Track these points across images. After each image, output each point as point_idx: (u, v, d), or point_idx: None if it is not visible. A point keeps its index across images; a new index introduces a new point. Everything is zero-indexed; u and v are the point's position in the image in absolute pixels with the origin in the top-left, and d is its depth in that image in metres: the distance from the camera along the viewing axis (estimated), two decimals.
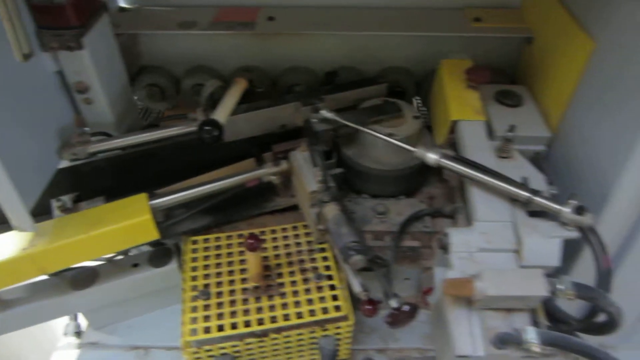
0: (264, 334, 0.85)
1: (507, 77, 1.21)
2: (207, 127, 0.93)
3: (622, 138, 0.79)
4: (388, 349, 1.05)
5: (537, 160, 1.03)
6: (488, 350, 0.72)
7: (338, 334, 0.89)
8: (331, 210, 0.89)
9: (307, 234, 1.00)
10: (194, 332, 0.84)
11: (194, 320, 0.86)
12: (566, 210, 0.77)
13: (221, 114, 0.98)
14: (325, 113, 0.98)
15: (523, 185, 0.82)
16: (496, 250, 0.80)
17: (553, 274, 0.74)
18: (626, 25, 0.81)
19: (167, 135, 1.01)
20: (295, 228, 1.01)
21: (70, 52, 0.93)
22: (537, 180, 0.88)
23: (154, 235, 0.90)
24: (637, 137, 0.75)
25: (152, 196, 0.91)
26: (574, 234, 0.79)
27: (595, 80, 0.88)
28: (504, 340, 0.71)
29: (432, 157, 0.87)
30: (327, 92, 1.07)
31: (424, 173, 1.07)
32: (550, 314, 0.82)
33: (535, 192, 0.80)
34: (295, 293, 0.90)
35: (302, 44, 1.17)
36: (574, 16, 0.97)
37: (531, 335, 0.69)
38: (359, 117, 1.02)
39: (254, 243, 0.85)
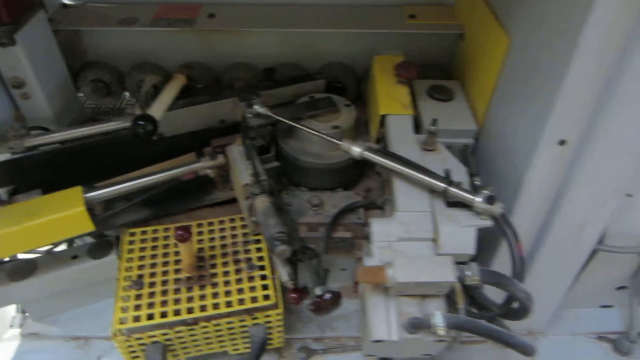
0: (194, 322, 0.88)
1: (444, 72, 1.25)
2: (140, 122, 0.95)
3: (532, 131, 0.83)
4: (325, 337, 1.08)
5: (465, 153, 1.07)
6: (401, 335, 0.75)
7: (268, 322, 0.92)
8: (261, 202, 0.91)
9: (243, 226, 1.02)
10: (123, 320, 0.86)
11: (125, 309, 0.88)
12: (478, 200, 0.81)
13: (156, 109, 0.99)
14: (259, 108, 1.01)
15: (439, 177, 0.86)
16: (414, 239, 0.83)
17: (466, 262, 0.78)
18: (537, 21, 0.84)
19: (104, 129, 1.03)
20: (232, 220, 1.03)
21: (3, 47, 0.94)
22: (460, 172, 0.92)
23: (89, 227, 0.91)
24: (543, 131, 0.79)
25: (90, 189, 0.93)
26: (487, 223, 0.83)
27: (512, 75, 0.92)
28: (415, 325, 0.74)
29: (356, 150, 0.90)
30: (265, 88, 1.10)
31: (361, 166, 1.10)
32: (475, 301, 0.87)
33: (450, 183, 0.84)
34: (226, 283, 0.92)
35: (243, 40, 1.19)
36: (494, 12, 1.02)
37: (438, 319, 0.72)
38: (294, 112, 1.05)
39: (183, 234, 0.87)
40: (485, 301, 0.87)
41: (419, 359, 0.87)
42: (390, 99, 0.99)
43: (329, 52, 1.23)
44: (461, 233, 0.83)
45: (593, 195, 0.82)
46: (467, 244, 0.83)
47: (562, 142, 0.77)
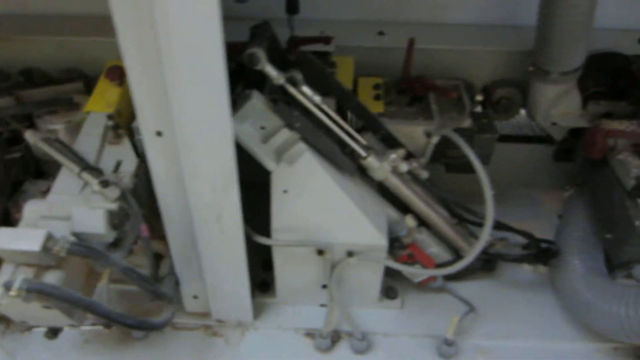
0: None
1: None
2: None
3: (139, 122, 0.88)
4: None
5: None
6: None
7: None
8: None
9: None
10: None
11: None
12: (95, 183, 0.91)
13: None
14: None
15: (83, 163, 0.96)
16: (55, 218, 0.93)
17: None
18: None
19: None
20: None
21: None
22: (132, 162, 1.02)
23: None
24: (142, 122, 0.85)
25: None
26: (113, 206, 0.92)
27: None
28: (6, 287, 0.83)
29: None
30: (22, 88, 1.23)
31: None
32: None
33: (85, 169, 0.94)
34: None
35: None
36: None
37: (18, 283, 0.82)
38: (32, 108, 1.17)
39: None
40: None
41: None
42: (99, 98, 1.10)
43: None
44: (90, 214, 0.92)
45: (210, 185, 0.89)
46: (97, 225, 0.93)
47: (159, 134, 0.85)
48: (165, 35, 0.72)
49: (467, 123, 1.16)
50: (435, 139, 1.09)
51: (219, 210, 0.93)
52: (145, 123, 0.84)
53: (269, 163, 0.95)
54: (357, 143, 0.98)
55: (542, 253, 1.12)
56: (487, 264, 1.22)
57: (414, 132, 1.11)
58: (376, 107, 1.12)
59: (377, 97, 1.15)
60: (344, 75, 1.11)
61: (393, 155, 0.98)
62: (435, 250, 1.15)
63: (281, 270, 1.10)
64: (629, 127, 1.09)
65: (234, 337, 1.13)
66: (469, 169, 1.05)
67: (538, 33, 1.09)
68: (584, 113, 1.19)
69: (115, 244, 0.99)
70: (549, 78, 1.13)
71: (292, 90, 0.94)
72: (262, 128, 0.96)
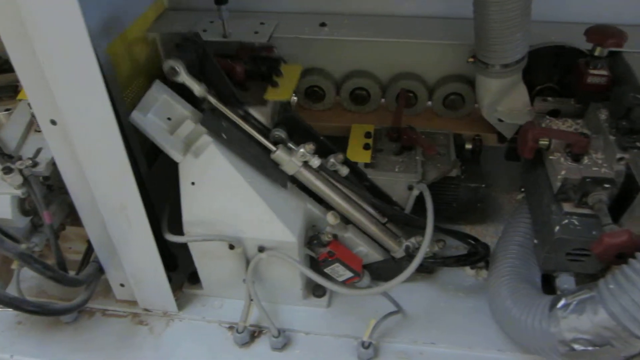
0: None
1: None
2: None
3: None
4: None
5: None
6: None
7: None
8: None
9: None
10: None
11: None
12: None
13: None
14: None
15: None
16: None
17: None
18: None
19: None
20: None
21: None
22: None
23: None
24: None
25: None
26: (18, 192, 0.94)
27: None
28: None
29: None
30: None
31: None
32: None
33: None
34: None
35: None
36: None
37: None
38: None
39: None
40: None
41: None
42: None
43: None
44: None
45: (107, 174, 0.89)
46: (5, 210, 0.95)
47: (53, 122, 0.86)
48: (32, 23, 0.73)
49: (454, 172, 1.16)
50: (415, 192, 1.10)
51: (122, 200, 0.93)
52: (39, 111, 0.85)
53: (175, 154, 0.95)
54: (267, 138, 0.96)
55: (468, 256, 1.07)
56: (424, 266, 1.18)
57: (396, 184, 1.12)
58: (363, 157, 1.14)
59: (366, 146, 1.16)
60: (287, 84, 1.08)
61: (301, 150, 0.95)
62: (365, 249, 1.11)
63: (200, 264, 1.09)
64: (572, 127, 1.01)
65: (158, 327, 1.14)
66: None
67: (475, 23, 1.03)
68: (531, 110, 1.11)
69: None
70: (491, 71, 1.07)
71: (213, 101, 0.94)
72: (169, 119, 0.95)
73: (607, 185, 0.85)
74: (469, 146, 1.21)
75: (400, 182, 1.09)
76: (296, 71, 1.13)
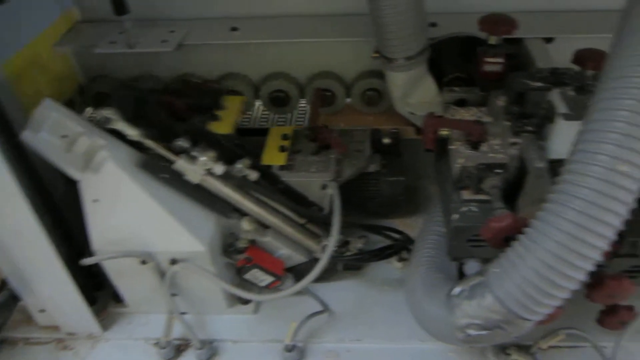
0: None
1: None
2: None
3: None
4: None
5: None
6: None
7: None
8: None
9: None
10: None
11: None
12: None
13: None
14: None
15: None
16: None
17: None
18: None
19: None
20: None
21: None
22: None
23: None
24: None
25: None
26: None
27: None
28: None
29: None
30: None
31: None
32: None
33: None
34: None
35: None
36: None
37: None
38: None
39: None
40: None
41: None
42: None
43: None
44: None
45: None
46: None
47: None
48: None
49: (373, 167, 1.17)
50: (330, 191, 1.09)
51: (17, 226, 0.91)
52: None
53: (73, 172, 0.92)
54: (167, 150, 0.95)
55: (383, 249, 1.07)
56: (349, 263, 1.18)
57: (311, 185, 1.10)
58: (278, 160, 1.12)
59: (282, 149, 1.15)
60: (229, 117, 1.09)
61: (202, 158, 0.94)
62: (286, 252, 1.10)
63: (118, 282, 1.07)
64: (475, 115, 1.03)
65: (83, 350, 1.11)
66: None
67: (371, 19, 1.03)
68: (441, 101, 1.12)
69: None
70: (395, 65, 1.07)
71: (149, 144, 0.94)
72: (64, 136, 0.93)
73: (498, 171, 0.86)
74: (387, 140, 1.22)
75: (315, 182, 1.09)
76: (238, 102, 1.13)
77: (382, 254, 1.09)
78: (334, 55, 1.25)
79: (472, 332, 0.76)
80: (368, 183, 1.20)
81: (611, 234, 0.66)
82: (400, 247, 1.10)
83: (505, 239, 0.76)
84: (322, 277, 1.18)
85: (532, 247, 0.69)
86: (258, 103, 1.36)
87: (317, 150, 1.16)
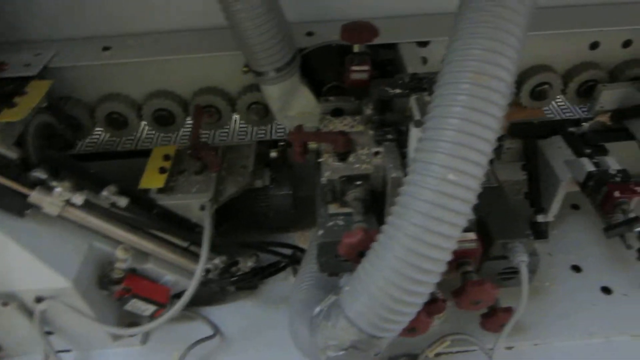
0: None
1: None
2: None
3: None
4: None
5: None
6: None
7: None
8: None
9: None
10: None
11: None
12: None
13: None
14: None
15: None
16: None
17: None
18: None
19: None
20: None
21: None
22: None
23: None
24: None
25: None
26: None
27: None
28: None
29: None
30: None
31: None
32: None
33: None
34: None
35: None
36: None
37: None
38: None
39: None
40: None
41: None
42: None
43: None
44: None
45: None
46: None
47: None
48: None
49: (259, 183, 1.15)
50: (208, 211, 1.03)
51: None
52: None
53: None
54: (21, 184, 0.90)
55: (266, 268, 1.05)
56: (243, 284, 1.15)
57: (190, 206, 1.06)
58: (156, 182, 1.06)
59: (162, 170, 1.09)
60: (29, 101, 1.00)
61: (58, 189, 0.89)
62: (172, 277, 1.06)
63: None
64: (349, 124, 1.02)
65: None
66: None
67: (233, 34, 1.01)
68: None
69: None
70: (266, 78, 1.05)
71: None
72: None
73: (358, 182, 0.85)
74: (274, 154, 1.20)
75: (194, 204, 1.05)
76: (43, 87, 1.04)
77: (265, 273, 1.07)
78: (216, 70, 1.22)
79: (330, 353, 0.74)
80: (257, 199, 1.18)
81: (450, 245, 0.65)
82: (293, 261, 1.07)
83: (360, 254, 0.75)
84: (216, 300, 1.16)
85: (377, 263, 0.68)
86: (144, 123, 1.31)
87: (201, 170, 1.13)
